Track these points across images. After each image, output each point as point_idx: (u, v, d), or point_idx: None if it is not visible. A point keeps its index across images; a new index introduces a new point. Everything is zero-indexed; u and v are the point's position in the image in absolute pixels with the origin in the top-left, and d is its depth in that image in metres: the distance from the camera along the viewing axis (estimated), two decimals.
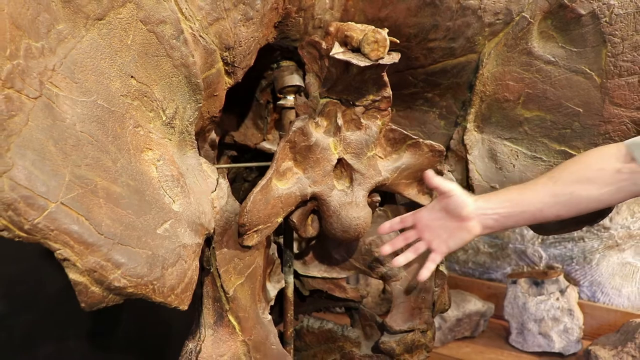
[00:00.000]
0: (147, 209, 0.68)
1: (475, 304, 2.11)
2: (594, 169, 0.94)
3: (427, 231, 1.07)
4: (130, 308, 1.59)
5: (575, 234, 2.24)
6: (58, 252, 0.57)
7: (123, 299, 0.63)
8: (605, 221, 2.15)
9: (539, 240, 2.30)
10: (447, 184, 1.04)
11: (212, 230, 0.84)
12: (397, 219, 1.11)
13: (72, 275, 0.58)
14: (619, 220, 2.11)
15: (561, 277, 2.01)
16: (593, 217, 1.10)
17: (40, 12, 0.59)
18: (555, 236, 2.28)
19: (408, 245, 1.11)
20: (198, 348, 0.94)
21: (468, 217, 1.01)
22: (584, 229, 2.21)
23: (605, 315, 2.02)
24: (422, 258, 1.16)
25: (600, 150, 0.97)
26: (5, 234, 0.53)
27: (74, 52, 0.63)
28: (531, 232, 2.33)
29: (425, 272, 1.07)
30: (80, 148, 0.61)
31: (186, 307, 0.72)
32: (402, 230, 1.13)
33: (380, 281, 1.92)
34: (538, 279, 2.02)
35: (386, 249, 1.09)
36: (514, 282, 2.05)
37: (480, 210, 1.01)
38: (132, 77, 0.71)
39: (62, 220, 0.56)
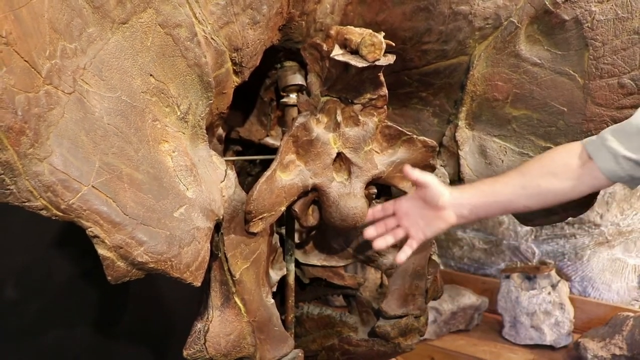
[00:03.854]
0: (165, 194, 0.75)
1: (469, 298, 2.14)
2: (560, 164, 0.99)
3: (405, 219, 1.11)
4: (136, 297, 1.63)
5: (567, 230, 2.26)
6: (89, 229, 0.63)
7: (144, 273, 0.69)
8: (596, 218, 2.19)
9: (532, 237, 2.31)
10: (424, 177, 1.08)
11: (221, 217, 0.89)
12: (379, 207, 1.15)
13: (101, 251, 0.65)
14: (609, 217, 2.13)
15: (553, 273, 2.03)
16: (577, 209, 1.15)
17: (74, 17, 0.65)
18: (548, 233, 2.30)
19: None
20: (206, 328, 0.99)
21: (444, 206, 1.06)
22: (576, 225, 2.26)
23: (595, 309, 2.04)
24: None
25: (565, 147, 1.02)
26: (44, 212, 0.60)
27: (101, 52, 0.69)
28: (525, 229, 2.37)
29: (402, 256, 1.11)
30: (107, 138, 0.67)
31: (199, 284, 0.78)
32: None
33: (377, 275, 1.97)
34: (530, 274, 2.04)
35: (370, 232, 1.14)
36: (508, 277, 2.07)
37: (455, 200, 1.06)
38: (151, 75, 0.77)
39: (93, 202, 0.63)
